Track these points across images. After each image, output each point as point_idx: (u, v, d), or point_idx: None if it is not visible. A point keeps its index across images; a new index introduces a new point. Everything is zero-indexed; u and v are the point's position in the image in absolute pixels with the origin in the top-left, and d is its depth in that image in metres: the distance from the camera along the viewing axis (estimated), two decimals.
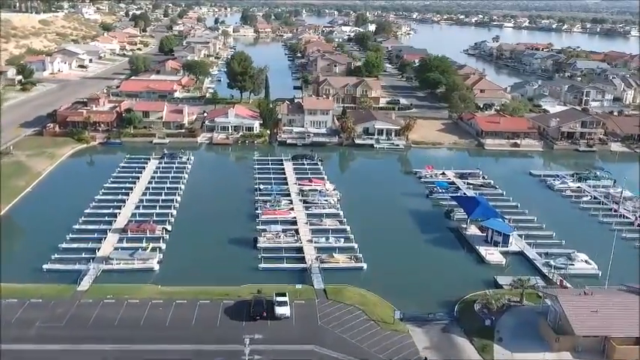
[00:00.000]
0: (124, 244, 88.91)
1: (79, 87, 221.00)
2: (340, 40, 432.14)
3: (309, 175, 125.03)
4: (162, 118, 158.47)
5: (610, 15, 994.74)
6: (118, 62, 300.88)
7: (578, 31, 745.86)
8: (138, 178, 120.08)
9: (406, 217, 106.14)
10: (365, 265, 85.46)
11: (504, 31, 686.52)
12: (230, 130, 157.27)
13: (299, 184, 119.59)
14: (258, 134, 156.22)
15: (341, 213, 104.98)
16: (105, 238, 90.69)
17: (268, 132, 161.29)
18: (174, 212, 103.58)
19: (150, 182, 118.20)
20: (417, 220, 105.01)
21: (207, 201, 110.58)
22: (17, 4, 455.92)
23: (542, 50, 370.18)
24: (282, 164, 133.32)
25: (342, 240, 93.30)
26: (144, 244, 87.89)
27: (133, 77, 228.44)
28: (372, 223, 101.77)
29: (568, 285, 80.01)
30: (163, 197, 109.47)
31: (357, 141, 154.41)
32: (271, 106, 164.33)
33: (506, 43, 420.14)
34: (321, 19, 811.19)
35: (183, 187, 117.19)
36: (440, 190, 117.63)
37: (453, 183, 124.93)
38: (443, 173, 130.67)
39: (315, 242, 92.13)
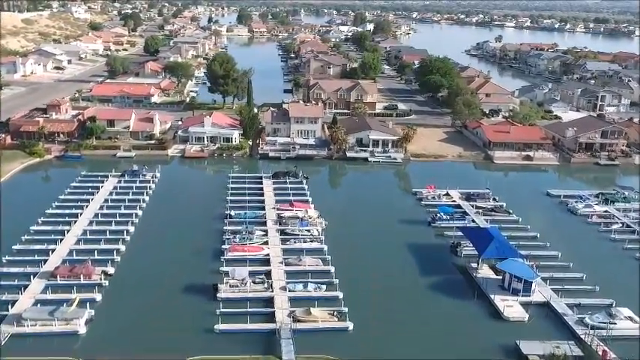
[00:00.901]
0: (48, 296, 70.87)
1: (51, 90, 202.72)
2: (337, 40, 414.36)
3: (291, 197, 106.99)
4: (129, 127, 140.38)
5: (611, 15, 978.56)
6: (99, 63, 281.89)
7: (581, 31, 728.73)
8: (88, 201, 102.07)
9: (404, 253, 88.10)
10: (351, 325, 67.37)
11: (506, 31, 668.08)
12: (206, 142, 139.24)
13: (278, 209, 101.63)
14: (237, 146, 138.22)
15: (325, 248, 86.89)
16: (26, 287, 72.50)
17: (250, 143, 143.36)
18: (123, 248, 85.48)
19: (101, 207, 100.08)
20: (417, 256, 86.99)
21: (165, 232, 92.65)
22: (1, 3, 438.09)
23: (547, 50, 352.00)
24: (261, 183, 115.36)
25: (324, 287, 75.32)
26: (73, 296, 69.76)
27: (108, 80, 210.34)
28: (363, 262, 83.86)
29: (612, 355, 62.01)
30: (112, 227, 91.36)
31: (349, 154, 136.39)
32: (253, 113, 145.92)
33: (509, 43, 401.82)
34: (320, 18, 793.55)
35: (140, 212, 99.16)
36: (444, 217, 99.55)
37: (458, 206, 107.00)
38: (447, 194, 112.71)
39: (290, 290, 74.13)
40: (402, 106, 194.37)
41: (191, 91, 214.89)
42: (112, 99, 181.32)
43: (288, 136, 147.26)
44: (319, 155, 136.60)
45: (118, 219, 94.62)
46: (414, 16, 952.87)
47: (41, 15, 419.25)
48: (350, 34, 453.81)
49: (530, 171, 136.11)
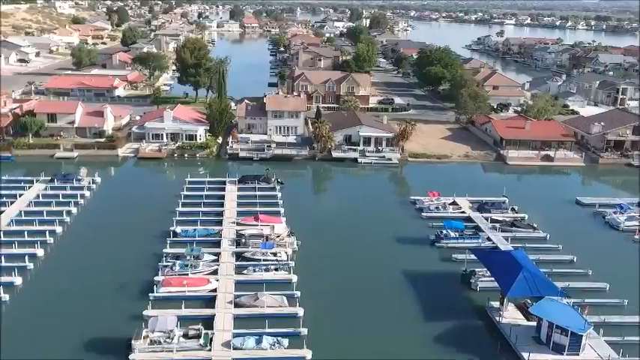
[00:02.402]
0: None
1: (5, 84, 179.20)
2: (331, 34, 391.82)
3: (258, 209, 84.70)
4: (74, 122, 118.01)
5: (612, 14, 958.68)
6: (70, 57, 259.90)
7: (582, 29, 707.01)
8: None
9: (399, 286, 65.92)
10: None
11: (506, 29, 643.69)
12: (165, 139, 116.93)
13: (239, 224, 79.40)
14: (202, 144, 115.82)
15: (294, 280, 64.71)
16: None
17: (219, 141, 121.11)
18: (19, 281, 63.14)
19: (10, 223, 77.51)
20: (418, 290, 64.80)
21: (84, 257, 70.25)
22: None
23: (552, 45, 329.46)
24: (224, 189, 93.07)
25: (287, 341, 53.06)
26: None
27: (69, 72, 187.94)
28: (344, 301, 61.69)
29: None
30: (13, 251, 69.08)
31: (336, 153, 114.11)
32: (224, 106, 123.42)
33: (513, 37, 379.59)
34: (316, 16, 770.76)
35: (59, 229, 76.80)
36: (451, 234, 77.25)
37: (468, 219, 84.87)
38: (453, 203, 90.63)
39: (236, 348, 51.87)
40: (399, 100, 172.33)
41: (164, 84, 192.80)
42: (69, 92, 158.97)
43: (265, 133, 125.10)
44: (300, 155, 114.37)
45: (26, 238, 72.24)
46: (412, 14, 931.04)
47: (19, 8, 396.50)
48: (345, 29, 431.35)
49: (550, 173, 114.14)
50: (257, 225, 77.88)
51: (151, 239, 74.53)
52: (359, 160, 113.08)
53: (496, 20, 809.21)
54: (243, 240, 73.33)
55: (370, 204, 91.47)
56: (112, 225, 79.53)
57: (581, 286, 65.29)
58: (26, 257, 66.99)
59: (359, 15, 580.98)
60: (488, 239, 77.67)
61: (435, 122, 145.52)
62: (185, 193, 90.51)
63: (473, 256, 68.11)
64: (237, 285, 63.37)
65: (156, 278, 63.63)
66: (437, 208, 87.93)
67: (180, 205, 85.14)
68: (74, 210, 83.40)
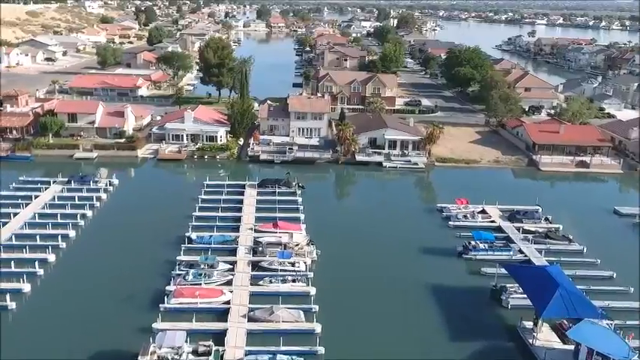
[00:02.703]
0: None
1: (30, 82, 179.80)
2: (358, 34, 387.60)
3: (277, 214, 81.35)
4: (94, 122, 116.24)
5: None
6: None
7: (617, 29, 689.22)
8: (10, 217, 77.49)
9: (424, 301, 61.88)
10: None
11: (537, 29, 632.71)
12: (186, 140, 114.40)
13: (257, 230, 76.16)
14: (222, 146, 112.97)
15: (312, 292, 61.09)
16: None
17: (241, 142, 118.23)
18: (27, 288, 60.73)
19: (23, 226, 75.33)
20: (444, 305, 60.72)
21: (96, 264, 67.66)
22: None
23: (586, 46, 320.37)
24: (243, 194, 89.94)
25: None
26: None
27: (92, 71, 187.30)
28: (365, 315, 57.90)
29: None
30: (24, 255, 66.80)
31: (360, 157, 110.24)
32: (246, 107, 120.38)
33: (545, 37, 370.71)
34: (343, 16, 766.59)
35: (72, 234, 74.44)
36: (480, 245, 72.81)
37: (499, 229, 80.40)
38: (482, 211, 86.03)
39: None
40: (426, 102, 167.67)
41: (188, 84, 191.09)
42: (92, 91, 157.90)
43: (288, 135, 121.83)
44: (322, 159, 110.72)
45: (37, 242, 69.94)
46: (441, 14, 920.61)
47: (48, 7, 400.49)
48: (372, 29, 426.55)
49: (586, 181, 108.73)
50: (275, 232, 74.54)
51: (166, 245, 71.70)
52: (384, 164, 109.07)
53: (527, 20, 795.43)
54: (260, 248, 70.01)
55: (394, 211, 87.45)
56: (127, 229, 76.91)
57: (623, 305, 60.48)
58: (36, 263, 64.62)
59: (386, 15, 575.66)
60: (520, 252, 73.12)
61: (463, 125, 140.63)
62: (203, 196, 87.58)
63: (503, 271, 63.76)
64: (251, 297, 60.04)
65: (167, 288, 60.69)
66: (465, 216, 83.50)
67: (197, 210, 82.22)
68: (89, 213, 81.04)
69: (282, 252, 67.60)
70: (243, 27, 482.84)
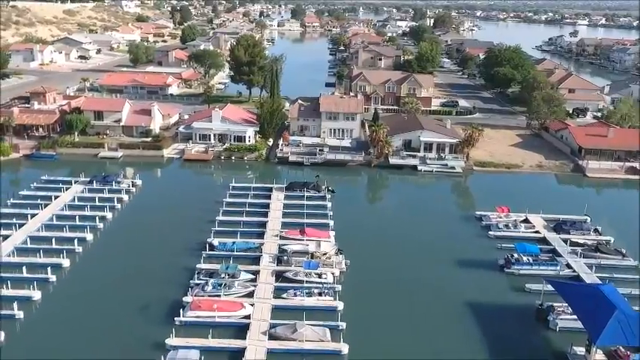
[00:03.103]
0: None
1: (63, 80, 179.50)
2: (394, 34, 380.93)
3: (305, 220, 76.73)
4: (121, 120, 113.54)
5: None
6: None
7: None
8: (28, 218, 74.63)
9: (463, 320, 56.41)
10: None
11: (579, 29, 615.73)
12: (213, 140, 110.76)
13: (282, 237, 71.67)
14: (250, 147, 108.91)
15: (339, 308, 56.22)
16: None
17: (270, 143, 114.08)
18: (37, 296, 57.35)
19: (39, 229, 72.36)
20: (484, 325, 55.21)
21: (113, 270, 63.97)
22: None
23: (632, 46, 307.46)
24: (270, 197, 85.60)
25: None
26: None
27: (124, 69, 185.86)
28: (395, 338, 52.75)
29: None
30: (38, 260, 63.63)
31: (393, 160, 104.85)
32: (276, 106, 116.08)
33: (588, 37, 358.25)
34: (378, 16, 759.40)
35: (90, 237, 71.09)
36: (524, 259, 66.88)
37: (543, 240, 74.30)
38: (525, 220, 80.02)
39: None
40: (463, 103, 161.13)
41: (219, 83, 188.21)
42: (122, 89, 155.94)
43: (319, 136, 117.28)
44: (354, 161, 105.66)
45: (53, 245, 66.69)
46: (478, 14, 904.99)
47: (85, 6, 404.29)
48: (408, 29, 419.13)
49: (637, 188, 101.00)
50: (302, 240, 69.95)
51: (186, 251, 67.78)
52: (419, 167, 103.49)
53: (568, 20, 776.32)
54: (286, 257, 65.44)
55: (430, 218, 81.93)
56: (146, 233, 73.33)
57: None
58: (49, 268, 61.36)
59: (422, 14, 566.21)
60: (568, 266, 66.95)
61: (503, 127, 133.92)
62: (227, 199, 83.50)
63: (550, 288, 57.85)
64: (274, 311, 55.51)
65: (184, 299, 56.56)
66: (506, 226, 77.51)
67: (220, 213, 78.07)
68: (109, 215, 77.72)
69: (308, 262, 62.91)
70: (278, 26, 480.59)
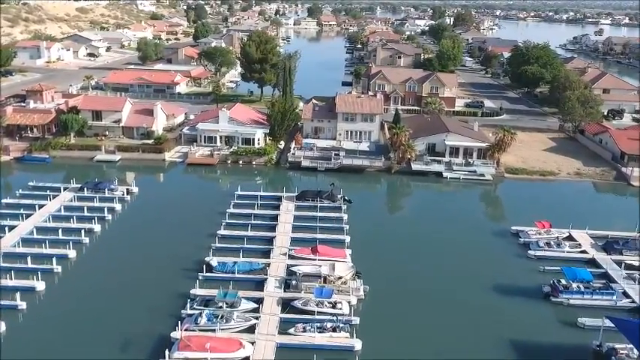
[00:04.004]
0: None
1: (68, 78, 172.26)
2: (412, 32, 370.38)
3: (317, 235, 67.58)
4: (120, 121, 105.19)
5: None
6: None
7: None
8: (5, 231, 66.33)
9: None
10: None
11: (603, 28, 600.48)
12: (219, 143, 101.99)
13: (291, 256, 62.53)
14: (259, 150, 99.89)
15: (357, 347, 47.00)
16: None
17: (281, 146, 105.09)
18: (3, 328, 48.84)
19: (16, 244, 63.85)
20: None
21: (94, 296, 55.12)
22: None
23: None
24: (279, 208, 76.55)
25: None
26: None
27: (131, 66, 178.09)
28: None
29: None
30: (11, 283, 55.09)
31: (416, 166, 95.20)
32: (288, 106, 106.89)
33: (615, 36, 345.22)
34: (396, 15, 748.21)
35: (73, 254, 62.42)
36: (573, 287, 57.05)
37: (593, 262, 64.41)
38: (569, 237, 70.15)
39: None
40: (489, 103, 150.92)
41: (230, 81, 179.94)
42: (128, 87, 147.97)
43: (334, 139, 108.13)
44: (373, 167, 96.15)
45: (29, 265, 58.10)
46: (497, 13, 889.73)
47: (98, 4, 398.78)
48: (427, 27, 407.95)
49: None
50: (314, 259, 60.76)
51: (180, 273, 58.91)
52: (444, 174, 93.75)
53: (590, 20, 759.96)
54: (294, 281, 56.25)
55: (460, 234, 72.15)
56: (137, 251, 64.46)
57: None
58: (17, 295, 52.64)
59: (442, 13, 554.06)
60: (626, 295, 57.01)
61: (533, 130, 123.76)
62: (231, 210, 74.58)
63: (610, 323, 48.19)
64: (278, 350, 46.45)
65: (173, 334, 47.63)
66: (548, 244, 67.60)
67: (222, 227, 69.10)
68: (97, 228, 69.10)
69: (320, 289, 53.57)
70: (294, 25, 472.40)
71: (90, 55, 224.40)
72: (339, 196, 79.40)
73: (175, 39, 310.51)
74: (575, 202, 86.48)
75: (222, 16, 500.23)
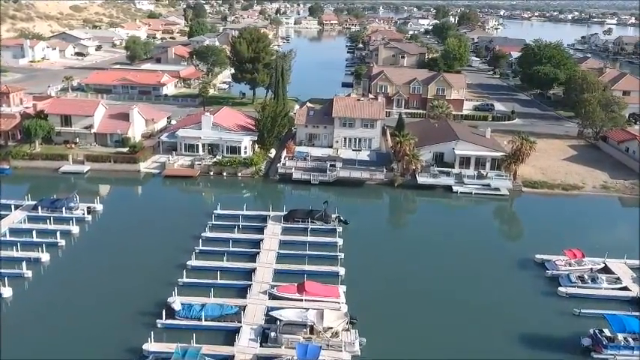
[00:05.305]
0: None
1: (51, 78, 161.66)
2: (415, 32, 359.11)
3: (306, 267, 56.66)
4: (92, 127, 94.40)
5: None
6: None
7: None
8: None
9: None
10: None
11: (610, 28, 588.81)
12: (202, 151, 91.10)
13: (274, 296, 51.56)
14: (246, 160, 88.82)
15: None
16: None
17: (271, 155, 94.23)
18: None
19: None
20: None
21: (21, 353, 44.32)
22: None
23: None
24: (262, 231, 65.60)
25: None
26: None
27: (117, 66, 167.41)
28: None
29: None
30: None
31: (422, 179, 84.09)
32: (279, 110, 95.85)
33: (626, 35, 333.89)
34: (399, 15, 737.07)
35: (9, 295, 51.54)
36: (620, 339, 46.01)
37: (637, 302, 53.26)
38: (604, 268, 59.14)
39: None
40: (499, 106, 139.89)
41: (223, 82, 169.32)
42: (111, 89, 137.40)
43: (331, 146, 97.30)
44: (374, 180, 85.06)
45: None
46: (501, 13, 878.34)
47: (93, 2, 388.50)
48: (430, 27, 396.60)
49: None
50: (300, 300, 49.88)
51: (135, 320, 48.09)
52: (454, 188, 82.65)
53: (595, 20, 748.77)
54: (273, 333, 45.27)
55: (475, 264, 61.08)
56: (89, 289, 53.36)
57: None
58: None
59: (446, 12, 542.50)
60: None
61: (549, 136, 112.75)
62: (207, 234, 63.71)
63: None
64: None
65: None
66: (581, 278, 56.53)
67: (194, 257, 58.20)
68: (45, 258, 58.13)
69: (305, 345, 42.64)
70: (294, 24, 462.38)
71: (78, 54, 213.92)
72: (333, 216, 68.43)
73: (171, 38, 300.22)
74: (605, 221, 75.56)
75: (221, 15, 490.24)
